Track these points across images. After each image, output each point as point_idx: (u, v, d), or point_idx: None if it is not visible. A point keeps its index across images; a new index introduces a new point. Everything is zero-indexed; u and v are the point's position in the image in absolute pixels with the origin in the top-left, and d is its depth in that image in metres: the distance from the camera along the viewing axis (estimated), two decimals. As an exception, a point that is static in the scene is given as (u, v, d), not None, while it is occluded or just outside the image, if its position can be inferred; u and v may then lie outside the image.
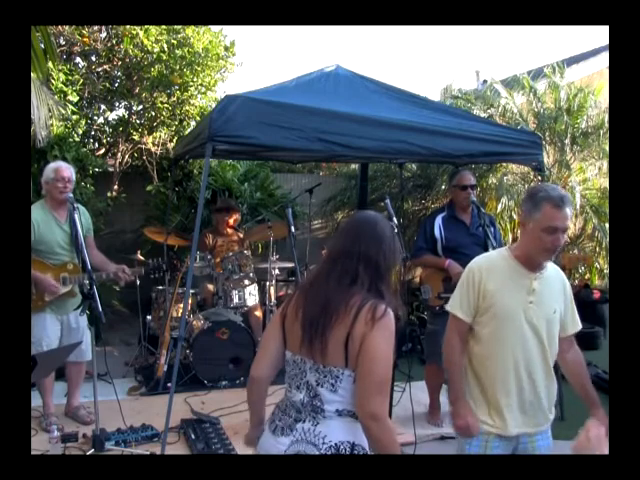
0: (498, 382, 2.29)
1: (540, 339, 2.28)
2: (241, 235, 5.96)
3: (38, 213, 3.87)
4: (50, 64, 5.39)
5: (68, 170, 3.96)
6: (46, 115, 4.87)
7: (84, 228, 3.94)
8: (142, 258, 5.36)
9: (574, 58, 9.44)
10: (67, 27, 6.40)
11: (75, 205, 3.76)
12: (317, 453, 1.68)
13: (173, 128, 7.27)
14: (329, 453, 1.67)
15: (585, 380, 2.38)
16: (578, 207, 6.38)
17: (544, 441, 2.35)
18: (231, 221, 5.86)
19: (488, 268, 2.33)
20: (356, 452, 1.69)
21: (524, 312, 2.26)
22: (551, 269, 2.33)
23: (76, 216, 3.72)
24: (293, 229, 3.73)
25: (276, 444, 1.77)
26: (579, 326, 2.41)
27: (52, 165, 4.01)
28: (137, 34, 6.47)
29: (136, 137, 7.16)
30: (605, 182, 6.83)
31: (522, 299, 2.26)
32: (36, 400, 4.00)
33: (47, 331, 3.88)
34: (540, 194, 2.21)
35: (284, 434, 1.77)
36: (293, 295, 1.91)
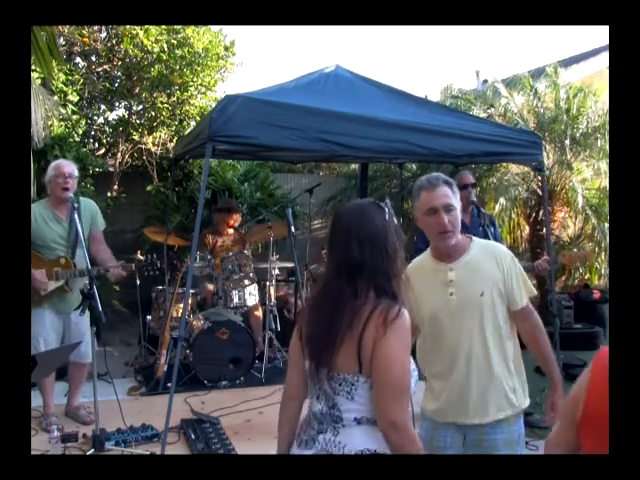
0: (436, 374, 2.29)
1: (473, 326, 2.20)
2: (240, 236, 5.96)
3: (38, 209, 3.92)
4: (53, 67, 5.39)
5: (68, 166, 3.98)
6: (43, 116, 4.87)
7: (90, 222, 4.02)
8: (142, 258, 5.35)
9: (574, 58, 9.44)
10: (67, 27, 6.41)
11: (75, 205, 3.76)
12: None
13: (173, 128, 7.28)
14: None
15: (543, 348, 2.29)
16: (580, 207, 6.39)
17: (498, 434, 2.23)
18: (231, 221, 5.86)
19: (411, 273, 2.24)
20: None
21: (447, 305, 2.21)
22: (476, 250, 2.26)
23: (76, 216, 3.72)
24: (293, 229, 3.74)
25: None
26: (533, 292, 2.31)
27: (53, 163, 4.05)
28: (137, 34, 6.49)
29: (136, 137, 7.17)
30: (604, 182, 6.83)
31: (442, 293, 2.22)
32: (36, 400, 4.00)
33: (46, 328, 3.89)
34: (416, 185, 2.26)
35: (307, 446, 1.72)
36: (304, 309, 1.87)
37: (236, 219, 5.94)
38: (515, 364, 2.28)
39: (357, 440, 1.66)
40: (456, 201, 2.20)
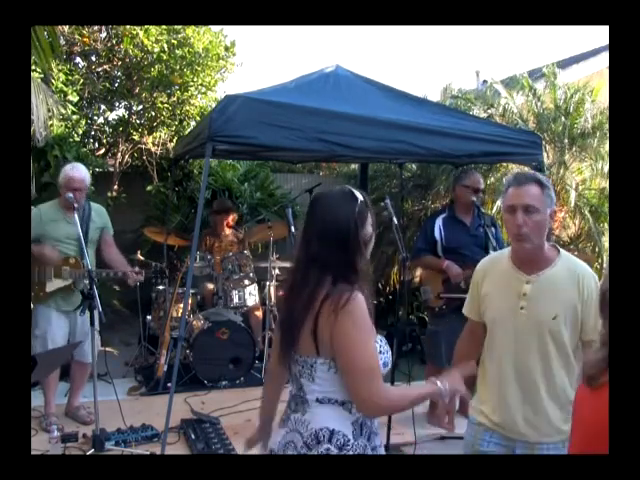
0: (489, 385, 2.22)
1: (538, 348, 2.07)
2: (240, 235, 5.95)
3: (48, 209, 3.95)
4: (52, 64, 5.40)
5: (80, 182, 3.89)
6: (45, 115, 4.87)
7: (99, 227, 4.06)
8: (142, 258, 5.36)
9: (574, 58, 9.44)
10: (67, 27, 6.41)
11: (76, 206, 3.79)
12: (301, 441, 1.70)
13: (173, 128, 7.28)
14: (309, 441, 1.69)
15: None
16: (572, 206, 6.38)
17: (551, 450, 2.12)
18: (228, 222, 5.85)
19: (487, 269, 2.23)
20: (335, 439, 1.68)
21: (514, 318, 2.09)
22: (560, 267, 2.09)
23: (76, 216, 3.75)
24: (293, 229, 3.73)
25: (276, 435, 1.82)
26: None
27: (67, 172, 3.91)
28: (137, 34, 6.48)
29: (136, 137, 7.17)
30: (604, 182, 6.83)
31: (513, 304, 2.10)
32: (36, 400, 4.00)
33: (52, 326, 3.90)
34: (505, 180, 2.19)
35: (283, 425, 1.81)
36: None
37: (233, 219, 5.94)
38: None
39: (318, 418, 1.72)
40: (543, 204, 2.03)
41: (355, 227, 1.71)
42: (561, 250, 2.16)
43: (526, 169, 6.41)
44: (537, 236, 2.04)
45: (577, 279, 2.07)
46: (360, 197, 1.78)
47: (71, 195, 3.84)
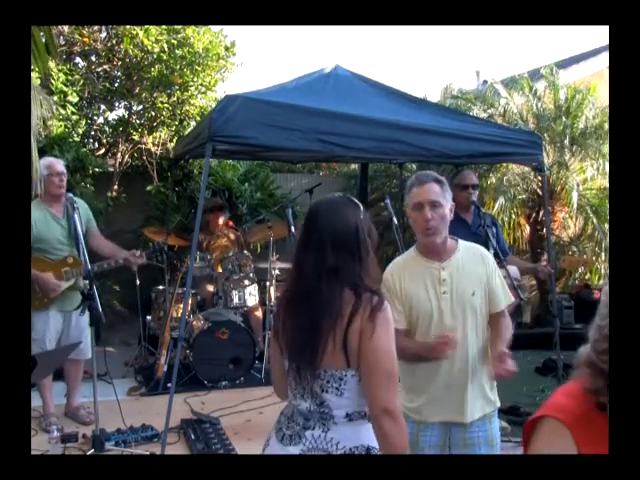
0: (420, 372, 2.28)
1: (460, 326, 2.23)
2: (236, 235, 5.92)
3: (34, 212, 3.81)
4: (51, 64, 5.39)
5: (60, 164, 3.99)
6: (40, 117, 4.86)
7: (84, 221, 3.96)
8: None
9: (574, 58, 9.44)
10: (67, 27, 6.41)
11: (75, 205, 3.77)
12: None
13: (173, 128, 7.28)
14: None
15: (499, 338, 2.29)
16: (575, 207, 6.39)
17: (481, 432, 2.27)
18: (221, 220, 5.82)
19: (398, 273, 2.30)
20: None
21: (439, 306, 2.24)
22: (463, 252, 2.31)
23: (76, 216, 3.72)
24: (293, 229, 3.74)
25: (285, 454, 1.72)
26: (510, 299, 2.36)
27: (42, 163, 3.91)
28: (137, 34, 6.48)
29: (136, 137, 7.17)
30: (604, 182, 6.84)
31: (434, 291, 2.25)
32: (36, 400, 4.00)
33: (50, 328, 3.89)
34: (408, 182, 2.32)
35: (293, 443, 1.72)
36: (279, 309, 1.84)
37: (225, 217, 5.91)
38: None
39: (350, 436, 1.67)
40: (444, 199, 2.23)
41: (364, 233, 1.71)
42: (458, 239, 2.36)
43: (526, 169, 6.43)
44: (443, 228, 2.24)
45: (480, 258, 2.32)
46: (360, 205, 1.77)
47: (70, 195, 3.84)
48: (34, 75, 5.55)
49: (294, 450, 1.70)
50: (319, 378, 1.68)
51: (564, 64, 8.61)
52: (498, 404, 2.36)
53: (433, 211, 2.20)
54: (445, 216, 2.23)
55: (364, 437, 1.67)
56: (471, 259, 2.31)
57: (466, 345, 2.24)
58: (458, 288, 2.25)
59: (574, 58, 9.44)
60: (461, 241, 2.36)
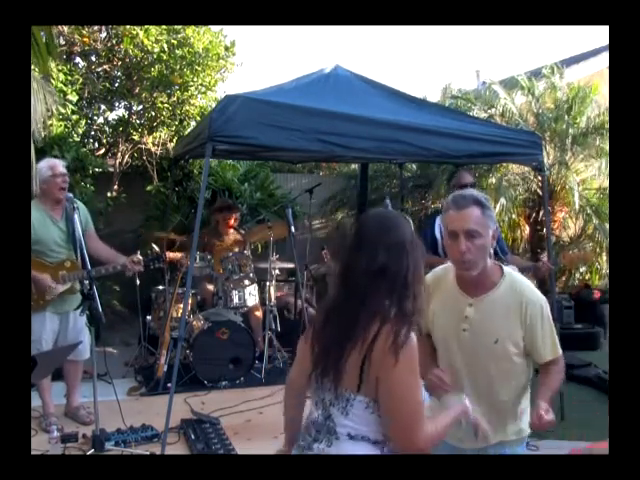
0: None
1: (478, 370, 2.03)
2: (241, 236, 5.95)
3: (33, 213, 3.75)
4: (51, 64, 5.39)
5: (62, 166, 3.95)
6: (44, 114, 4.86)
7: (83, 223, 3.92)
8: (142, 258, 5.35)
9: (574, 58, 9.44)
10: (67, 27, 6.41)
11: (75, 205, 3.76)
12: None
13: (173, 128, 7.28)
14: None
15: (544, 386, 2.03)
16: (577, 207, 6.39)
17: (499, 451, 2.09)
18: (232, 221, 5.86)
19: (434, 286, 2.10)
20: None
21: (457, 340, 2.04)
22: (503, 291, 2.02)
23: (76, 216, 3.71)
24: (293, 229, 3.74)
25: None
26: (558, 352, 2.06)
27: (44, 164, 3.91)
28: (137, 34, 6.48)
29: (136, 137, 7.17)
30: (605, 182, 6.84)
31: (456, 325, 2.03)
32: (36, 400, 3.99)
33: (46, 329, 3.87)
34: (445, 201, 2.05)
35: (302, 452, 1.71)
36: (318, 313, 1.80)
37: (236, 218, 5.94)
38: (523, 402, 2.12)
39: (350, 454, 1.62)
40: (485, 226, 1.95)
41: (415, 247, 1.64)
42: (505, 270, 2.08)
43: (526, 169, 6.43)
44: (481, 260, 1.97)
45: (520, 305, 1.99)
46: (410, 221, 1.72)
47: (71, 195, 3.83)
48: (33, 75, 5.55)
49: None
50: (329, 391, 1.65)
51: (564, 64, 8.62)
52: (524, 434, 2.12)
53: (470, 242, 1.92)
54: (484, 247, 1.95)
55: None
56: (509, 302, 2.00)
57: (494, 392, 2.04)
58: (480, 331, 2.00)
59: (574, 58, 9.44)
60: (508, 272, 2.06)
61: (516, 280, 2.05)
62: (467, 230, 1.92)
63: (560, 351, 2.07)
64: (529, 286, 2.06)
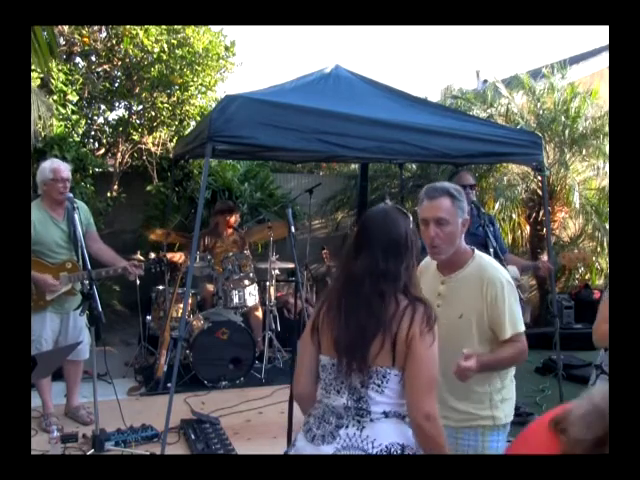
0: None
1: (447, 343, 2.04)
2: (241, 236, 5.95)
3: (34, 213, 3.78)
4: (51, 64, 5.39)
5: (66, 171, 3.90)
6: (38, 117, 4.86)
7: (84, 224, 3.92)
8: (142, 258, 5.35)
9: (574, 58, 9.43)
10: (67, 27, 6.41)
11: (75, 205, 3.75)
12: None
13: (173, 128, 7.28)
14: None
15: (491, 354, 2.15)
16: (577, 207, 6.39)
17: (468, 441, 2.21)
18: (232, 221, 5.86)
19: (422, 270, 2.27)
20: (407, 454, 1.67)
21: None
22: (470, 270, 2.19)
23: (76, 216, 3.70)
24: (293, 229, 3.73)
25: (318, 453, 1.71)
26: (518, 328, 2.16)
27: (48, 165, 3.89)
28: (137, 34, 6.48)
29: (136, 137, 7.17)
30: (604, 182, 6.84)
31: (433, 302, 2.08)
32: (36, 400, 4.00)
33: (46, 329, 3.87)
34: (421, 192, 2.23)
35: (325, 442, 1.72)
36: (322, 305, 1.86)
37: (236, 219, 5.95)
38: (499, 379, 2.23)
39: (386, 433, 1.69)
40: (454, 215, 2.13)
41: (410, 242, 1.79)
42: (476, 252, 2.24)
43: (526, 169, 6.43)
44: (449, 246, 2.15)
45: (481, 284, 2.15)
46: (409, 215, 1.84)
47: (71, 195, 3.83)
48: (34, 75, 5.56)
49: (328, 449, 1.71)
50: (363, 373, 1.72)
51: (566, 64, 8.61)
52: (503, 422, 2.25)
53: (439, 229, 2.11)
54: (453, 233, 2.13)
55: (399, 435, 1.71)
56: (473, 280, 2.18)
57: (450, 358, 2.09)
58: (448, 306, 2.18)
59: (574, 58, 9.43)
60: (478, 255, 2.24)
61: (483, 261, 2.22)
62: (437, 218, 2.12)
63: (520, 330, 2.17)
64: (493, 266, 2.22)
